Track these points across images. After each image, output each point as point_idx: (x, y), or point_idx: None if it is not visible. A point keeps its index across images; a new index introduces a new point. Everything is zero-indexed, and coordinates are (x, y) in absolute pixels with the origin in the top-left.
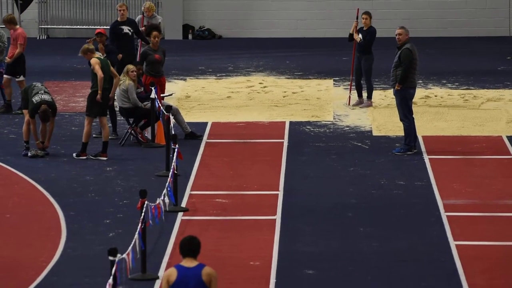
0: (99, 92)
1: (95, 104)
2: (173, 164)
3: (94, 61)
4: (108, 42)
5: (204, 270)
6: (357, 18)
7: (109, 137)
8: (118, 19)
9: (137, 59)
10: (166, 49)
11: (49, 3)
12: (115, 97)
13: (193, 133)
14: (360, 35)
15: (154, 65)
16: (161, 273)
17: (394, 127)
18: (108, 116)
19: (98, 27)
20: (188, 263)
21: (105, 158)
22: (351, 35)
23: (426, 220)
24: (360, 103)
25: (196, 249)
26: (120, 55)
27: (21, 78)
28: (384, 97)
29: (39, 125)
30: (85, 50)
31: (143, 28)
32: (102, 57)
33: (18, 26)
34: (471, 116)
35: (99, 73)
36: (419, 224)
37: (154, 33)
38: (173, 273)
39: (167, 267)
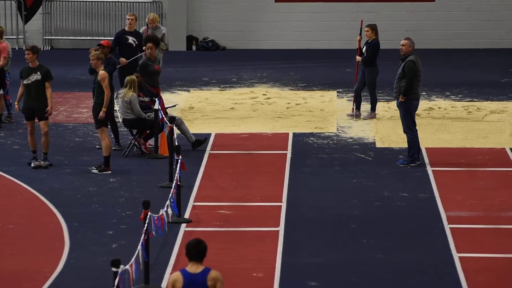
0: (103, 109)
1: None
2: (176, 175)
3: (103, 75)
4: (111, 54)
5: (209, 274)
6: (360, 31)
7: (113, 148)
8: (126, 28)
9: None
10: (171, 60)
11: (53, 14)
12: (118, 109)
13: (198, 140)
14: (360, 57)
15: (153, 75)
16: (164, 284)
17: (397, 139)
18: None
19: (102, 38)
20: (194, 268)
21: (109, 172)
22: (358, 49)
23: (430, 232)
24: (357, 115)
25: (203, 253)
26: (124, 59)
27: (0, 91)
28: (388, 109)
29: (40, 137)
30: (99, 56)
31: None
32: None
33: (2, 40)
34: (474, 128)
35: (107, 91)
36: (423, 236)
37: (149, 44)
38: (179, 279)
39: None
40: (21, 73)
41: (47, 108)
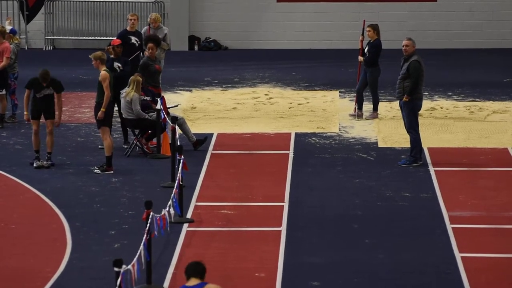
0: (102, 109)
1: (106, 114)
2: (178, 175)
3: (105, 75)
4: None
5: (207, 286)
6: (362, 31)
7: (123, 146)
8: (128, 28)
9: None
10: (173, 60)
11: (55, 14)
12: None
13: (199, 140)
14: (362, 57)
15: (154, 75)
16: (166, 284)
17: (399, 139)
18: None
19: (104, 38)
20: (192, 282)
21: (111, 172)
22: (361, 50)
23: (432, 232)
24: (359, 115)
25: (201, 272)
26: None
27: (3, 92)
28: (390, 108)
29: (44, 136)
30: (99, 57)
31: None
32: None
33: (5, 40)
34: (476, 128)
35: (107, 91)
36: (425, 236)
37: (150, 44)
38: None
39: (172, 278)
40: (31, 84)
41: (55, 120)
